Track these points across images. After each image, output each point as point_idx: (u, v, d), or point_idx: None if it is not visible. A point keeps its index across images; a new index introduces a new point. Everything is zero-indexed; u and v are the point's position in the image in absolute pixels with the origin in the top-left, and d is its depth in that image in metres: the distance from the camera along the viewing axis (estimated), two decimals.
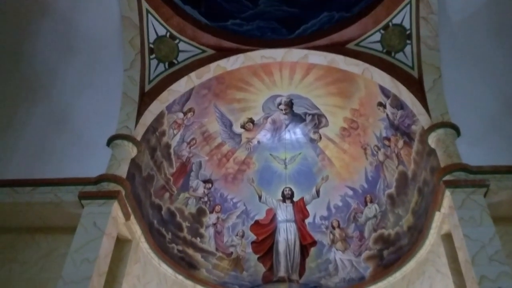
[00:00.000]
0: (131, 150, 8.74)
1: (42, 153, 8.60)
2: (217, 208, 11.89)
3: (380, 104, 10.25)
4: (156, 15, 9.65)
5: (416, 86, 9.15)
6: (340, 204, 11.97)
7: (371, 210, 11.22)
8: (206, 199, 11.75)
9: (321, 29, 10.17)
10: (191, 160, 11.40)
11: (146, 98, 9.44)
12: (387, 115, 10.24)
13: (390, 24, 9.55)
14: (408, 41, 9.43)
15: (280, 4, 10.93)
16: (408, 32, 9.41)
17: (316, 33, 10.13)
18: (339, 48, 9.93)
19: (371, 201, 11.25)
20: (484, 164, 7.80)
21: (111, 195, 7.74)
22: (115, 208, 7.71)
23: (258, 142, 12.25)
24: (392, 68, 9.51)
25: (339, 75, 10.30)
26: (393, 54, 9.62)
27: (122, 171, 8.35)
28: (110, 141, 8.62)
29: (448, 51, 9.03)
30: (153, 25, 9.70)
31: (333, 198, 12.04)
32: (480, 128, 8.37)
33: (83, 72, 9.49)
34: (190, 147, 11.24)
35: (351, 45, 9.95)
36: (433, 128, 8.40)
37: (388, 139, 10.46)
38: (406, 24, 9.40)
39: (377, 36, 9.75)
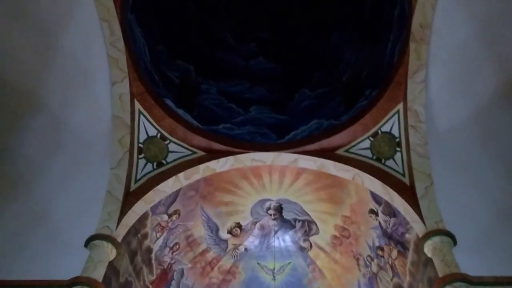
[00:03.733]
0: (110, 252, 8.19)
1: (14, 252, 8.00)
2: None
3: (372, 212, 10.00)
4: (148, 116, 9.71)
5: (408, 193, 8.99)
6: None
7: None
8: None
9: (310, 135, 10.29)
10: (173, 267, 10.73)
11: (130, 198, 9.11)
12: (379, 223, 9.94)
13: (379, 132, 9.69)
14: (398, 149, 9.48)
15: (270, 112, 11.25)
16: (397, 140, 9.50)
17: (306, 139, 10.22)
18: (328, 154, 9.94)
19: None
20: (483, 274, 7.38)
21: None
22: None
23: (245, 249, 11.71)
24: (383, 175, 9.43)
25: (329, 181, 10.18)
26: (383, 161, 9.62)
27: (98, 274, 7.73)
28: (88, 242, 8.10)
29: (438, 159, 9.03)
30: (144, 126, 9.72)
31: None
32: (476, 237, 8.07)
33: (68, 168, 9.22)
34: (172, 253, 10.64)
35: (340, 151, 9.98)
36: (428, 235, 8.07)
37: (382, 249, 10.03)
38: (395, 132, 9.52)
39: (367, 143, 9.82)
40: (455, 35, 8.11)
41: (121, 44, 8.92)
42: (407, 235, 9.16)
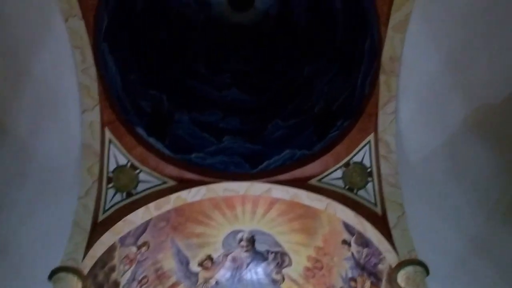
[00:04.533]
0: (75, 285, 7.85)
1: None
2: None
3: (345, 242, 9.96)
4: (119, 145, 9.53)
5: (381, 223, 9.02)
6: None
7: None
8: None
9: (283, 164, 10.28)
10: None
11: (98, 228, 8.81)
12: (352, 253, 9.89)
13: (351, 162, 9.77)
14: (370, 179, 9.58)
15: (243, 141, 11.21)
16: (369, 170, 9.60)
17: (279, 169, 10.19)
18: (301, 184, 9.92)
19: None
20: None
21: None
22: None
23: (217, 282, 11.42)
24: (355, 205, 9.46)
25: (302, 211, 10.13)
26: (355, 191, 9.67)
27: None
28: (52, 274, 7.75)
29: (409, 188, 9.15)
30: (115, 154, 9.52)
31: None
32: (448, 267, 8.17)
33: (34, 198, 8.86)
34: (141, 286, 10.28)
35: (313, 181, 9.98)
36: (401, 265, 8.09)
37: (355, 280, 9.96)
38: (367, 162, 9.63)
39: (339, 173, 9.88)
40: (424, 67, 8.38)
41: (93, 71, 8.79)
42: (380, 266, 9.14)
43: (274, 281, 11.45)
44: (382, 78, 8.87)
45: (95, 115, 9.16)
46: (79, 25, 8.20)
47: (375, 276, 9.31)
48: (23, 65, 8.24)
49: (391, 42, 8.40)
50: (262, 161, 10.44)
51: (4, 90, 8.35)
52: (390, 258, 8.52)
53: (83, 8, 8.05)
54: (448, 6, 7.69)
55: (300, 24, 12.14)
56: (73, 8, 7.93)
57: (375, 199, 9.37)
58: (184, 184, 9.80)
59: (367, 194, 9.51)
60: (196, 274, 11.20)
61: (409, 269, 7.95)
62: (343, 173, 9.81)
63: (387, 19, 8.17)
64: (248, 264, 11.31)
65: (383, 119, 9.23)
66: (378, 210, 9.24)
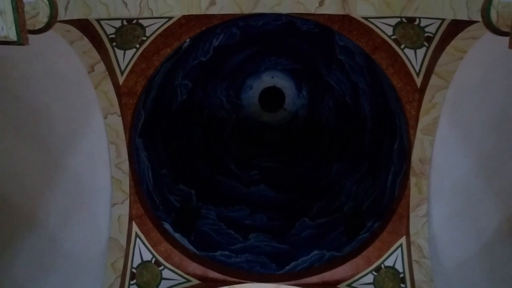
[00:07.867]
0: None
1: None
2: None
3: None
4: (145, 240, 9.45)
5: None
6: None
7: None
8: None
9: (311, 266, 9.91)
10: None
11: None
12: None
13: (383, 266, 9.35)
14: (403, 285, 9.08)
15: (269, 240, 11.01)
16: (401, 275, 9.14)
17: (307, 271, 9.81)
18: None
19: None
20: None
21: None
22: None
23: None
24: None
25: None
26: None
27: None
28: None
29: None
30: (140, 250, 9.41)
31: None
32: None
33: None
34: None
35: (343, 286, 9.51)
36: None
37: None
38: (399, 267, 9.19)
39: (370, 278, 9.41)
40: (455, 170, 8.28)
41: (125, 166, 9.04)
42: None
43: None
44: (412, 180, 8.76)
45: (124, 209, 9.25)
46: (117, 122, 8.61)
47: None
48: (59, 158, 8.51)
49: (421, 144, 8.42)
50: (289, 262, 10.11)
51: (39, 183, 8.54)
52: None
53: (122, 106, 8.49)
54: (475, 111, 7.78)
55: (328, 125, 12.43)
56: (113, 106, 8.39)
57: None
58: (207, 284, 9.49)
59: None
60: None
61: None
62: (374, 278, 9.35)
63: (416, 121, 8.28)
64: None
65: (415, 221, 8.95)
66: None
